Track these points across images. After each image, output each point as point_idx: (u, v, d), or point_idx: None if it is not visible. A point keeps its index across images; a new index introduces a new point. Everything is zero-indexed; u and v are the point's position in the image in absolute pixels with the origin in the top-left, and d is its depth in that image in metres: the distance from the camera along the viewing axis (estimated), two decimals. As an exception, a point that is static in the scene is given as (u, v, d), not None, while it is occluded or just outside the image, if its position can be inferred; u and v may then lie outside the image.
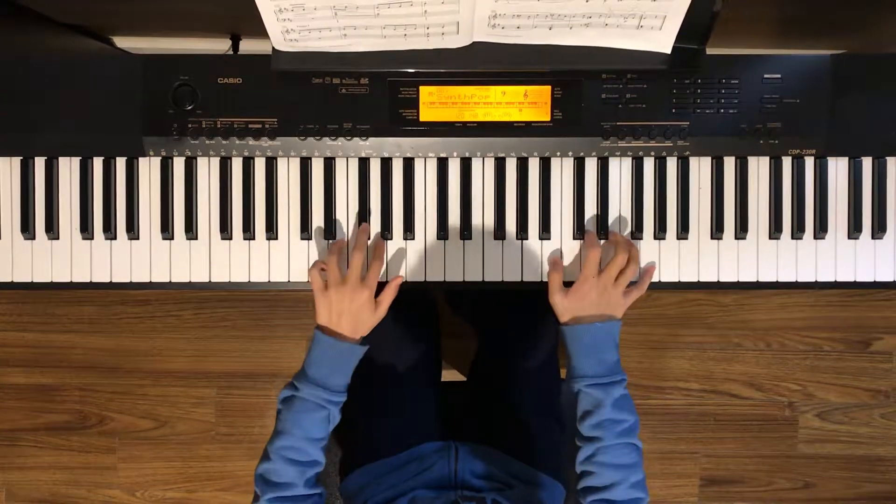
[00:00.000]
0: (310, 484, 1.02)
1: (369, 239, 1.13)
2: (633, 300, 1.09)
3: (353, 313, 1.05)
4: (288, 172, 1.15)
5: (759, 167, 1.15)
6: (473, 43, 1.06)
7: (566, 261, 1.14)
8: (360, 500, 1.16)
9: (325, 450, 1.05)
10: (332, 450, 1.35)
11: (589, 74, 1.11)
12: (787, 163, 1.15)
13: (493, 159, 1.15)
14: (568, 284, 1.10)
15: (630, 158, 1.14)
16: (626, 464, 1.00)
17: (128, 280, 1.15)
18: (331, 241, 1.14)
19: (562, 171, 1.15)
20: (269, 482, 1.01)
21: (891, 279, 1.16)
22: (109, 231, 1.14)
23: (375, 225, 1.15)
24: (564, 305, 1.07)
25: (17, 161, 1.15)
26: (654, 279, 1.15)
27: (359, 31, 1.02)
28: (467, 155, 1.14)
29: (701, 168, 1.15)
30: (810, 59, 1.12)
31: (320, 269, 1.09)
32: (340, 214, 1.15)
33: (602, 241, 1.13)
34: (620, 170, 1.15)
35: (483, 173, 1.15)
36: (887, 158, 1.16)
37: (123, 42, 1.31)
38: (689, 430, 1.96)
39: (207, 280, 1.15)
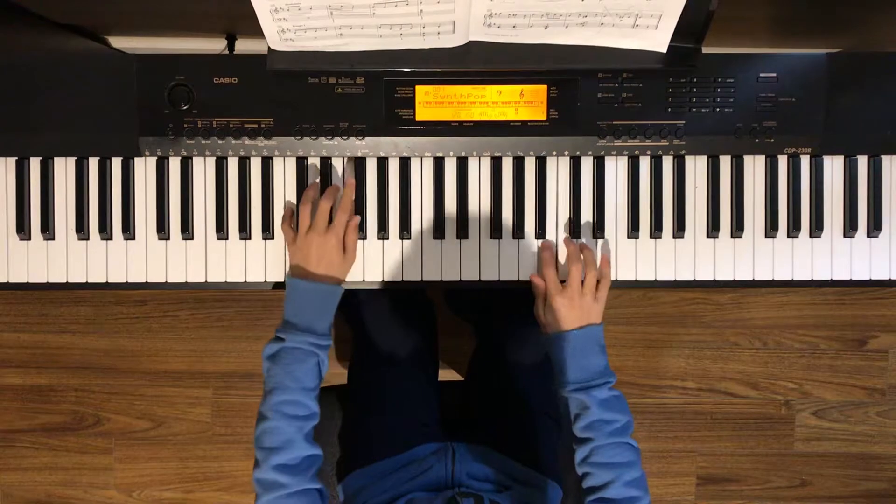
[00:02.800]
0: (309, 439, 1.00)
1: (348, 188, 1.12)
2: (604, 297, 1.10)
3: (324, 258, 1.06)
4: (284, 172, 1.15)
5: (754, 166, 1.16)
6: (469, 42, 1.06)
7: (562, 259, 1.14)
8: (358, 501, 1.16)
9: (318, 399, 1.03)
10: (330, 450, 1.35)
11: (585, 73, 1.11)
12: (782, 162, 1.16)
13: (489, 159, 1.15)
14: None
15: (626, 157, 1.15)
16: (620, 462, 1.01)
17: (124, 280, 1.15)
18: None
19: (558, 170, 1.15)
20: (269, 448, 0.98)
21: (886, 277, 1.17)
22: (105, 231, 1.14)
23: (372, 224, 1.15)
24: (546, 320, 1.09)
25: (12, 161, 1.14)
26: (650, 278, 1.15)
27: (354, 30, 1.02)
28: (464, 154, 1.14)
29: (697, 167, 1.15)
30: (806, 58, 1.13)
31: (290, 221, 1.09)
32: (337, 214, 1.15)
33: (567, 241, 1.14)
34: (616, 169, 1.15)
35: (479, 173, 1.15)
36: (882, 157, 1.16)
37: (119, 42, 1.31)
38: (686, 429, 1.96)
39: (204, 280, 1.15)
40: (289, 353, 1.02)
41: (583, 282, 1.08)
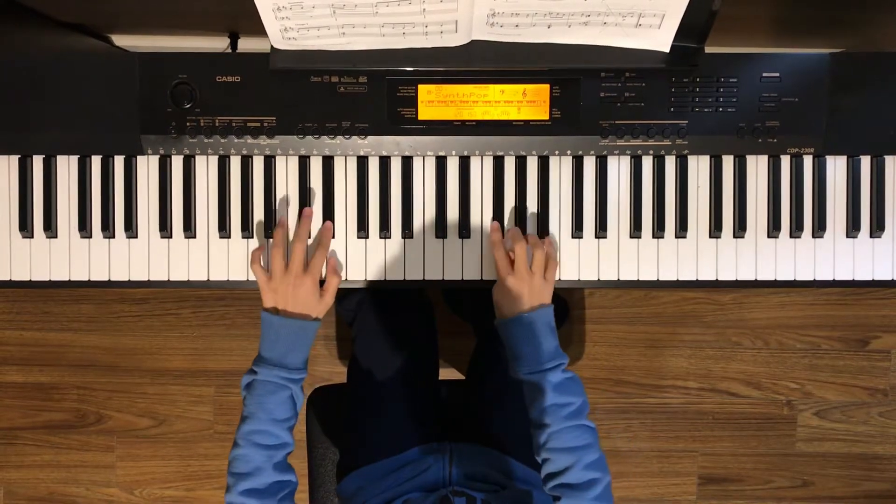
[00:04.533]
0: (279, 468, 1.02)
1: (325, 230, 1.13)
2: (553, 276, 1.10)
3: (299, 301, 1.06)
4: (287, 171, 1.15)
5: (757, 166, 1.15)
6: (472, 41, 1.06)
7: (564, 258, 1.15)
8: (356, 502, 1.16)
9: (292, 430, 1.04)
10: (330, 450, 1.36)
11: (587, 73, 1.10)
12: (785, 161, 1.15)
13: (491, 158, 1.15)
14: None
15: (628, 157, 1.14)
16: (578, 446, 1.00)
17: (126, 278, 1.15)
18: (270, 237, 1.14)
19: (560, 169, 1.15)
20: (239, 473, 1.00)
21: (889, 278, 1.16)
22: (108, 230, 1.14)
23: (374, 223, 1.15)
24: (496, 304, 1.10)
25: (14, 159, 1.14)
26: (653, 278, 1.15)
27: (357, 29, 1.02)
28: (466, 153, 1.14)
29: (699, 167, 1.15)
30: (809, 58, 1.12)
31: (260, 262, 1.09)
32: (339, 213, 1.15)
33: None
34: (619, 168, 1.15)
35: (482, 172, 1.15)
36: (885, 157, 1.16)
37: (122, 40, 1.31)
38: (688, 429, 1.96)
39: (206, 279, 1.15)
40: (261, 385, 1.03)
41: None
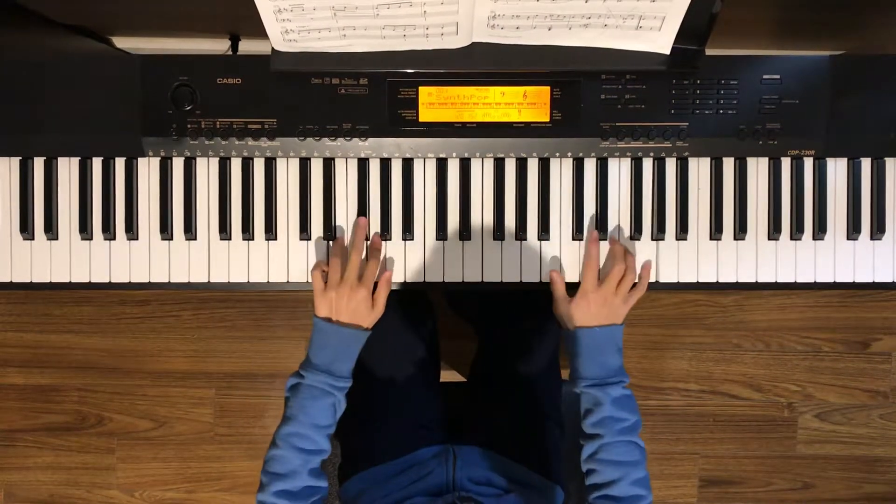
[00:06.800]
0: (314, 473, 1.03)
1: (368, 237, 1.14)
2: (634, 302, 1.11)
3: (352, 311, 1.07)
4: (287, 173, 1.15)
5: (758, 168, 1.15)
6: (473, 43, 1.06)
7: (565, 261, 1.15)
8: (358, 506, 1.17)
9: (331, 438, 1.06)
10: (332, 454, 1.35)
11: (588, 75, 1.11)
12: (786, 164, 1.15)
13: (492, 160, 1.15)
14: (570, 286, 1.11)
15: (629, 159, 1.15)
16: (627, 461, 1.02)
17: (127, 280, 1.15)
18: (331, 242, 1.14)
19: (561, 171, 1.15)
20: (274, 473, 1.02)
21: (889, 280, 1.16)
22: (108, 231, 1.14)
23: (375, 225, 1.15)
24: (568, 315, 1.09)
25: (16, 161, 1.15)
26: (653, 280, 1.15)
27: (358, 31, 1.02)
28: (466, 155, 1.14)
29: (700, 169, 1.15)
30: (809, 60, 1.13)
31: (322, 269, 1.09)
32: (340, 215, 1.15)
33: (602, 243, 1.14)
34: (619, 170, 1.15)
35: (482, 174, 1.15)
36: (886, 159, 1.16)
37: (123, 42, 1.31)
38: (688, 431, 1.96)
39: (206, 280, 1.15)
40: (306, 389, 1.04)
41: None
